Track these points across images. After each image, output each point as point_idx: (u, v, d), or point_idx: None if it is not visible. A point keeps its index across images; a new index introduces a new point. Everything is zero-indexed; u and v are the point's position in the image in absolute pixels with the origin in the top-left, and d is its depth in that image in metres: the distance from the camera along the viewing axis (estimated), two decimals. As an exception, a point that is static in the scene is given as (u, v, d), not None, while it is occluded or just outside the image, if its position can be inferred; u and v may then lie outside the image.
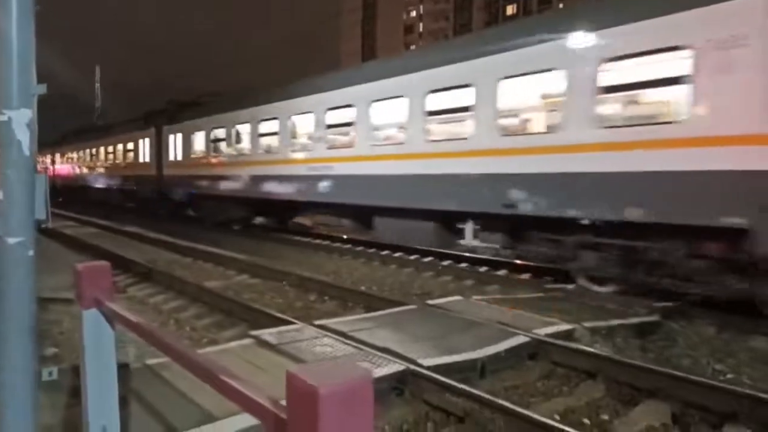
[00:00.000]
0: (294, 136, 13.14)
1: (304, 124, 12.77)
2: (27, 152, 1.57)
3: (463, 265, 10.79)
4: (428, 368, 4.18)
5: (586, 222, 7.28)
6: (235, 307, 6.75)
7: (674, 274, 6.63)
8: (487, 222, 8.85)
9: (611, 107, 7.16)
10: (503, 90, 8.24)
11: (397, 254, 11.75)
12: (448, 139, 9.29)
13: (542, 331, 5.24)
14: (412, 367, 4.18)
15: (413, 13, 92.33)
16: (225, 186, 16.06)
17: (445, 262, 10.91)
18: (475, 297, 6.99)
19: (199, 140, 17.67)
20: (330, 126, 11.82)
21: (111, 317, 1.85)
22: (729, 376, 4.87)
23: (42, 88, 1.58)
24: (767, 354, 5.41)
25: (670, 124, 6.47)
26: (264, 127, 14.05)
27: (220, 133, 16.27)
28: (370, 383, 0.82)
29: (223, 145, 16.26)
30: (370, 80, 10.79)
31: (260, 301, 7.46)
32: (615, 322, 5.78)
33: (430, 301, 6.48)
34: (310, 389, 0.77)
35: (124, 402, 3.69)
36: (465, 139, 8.85)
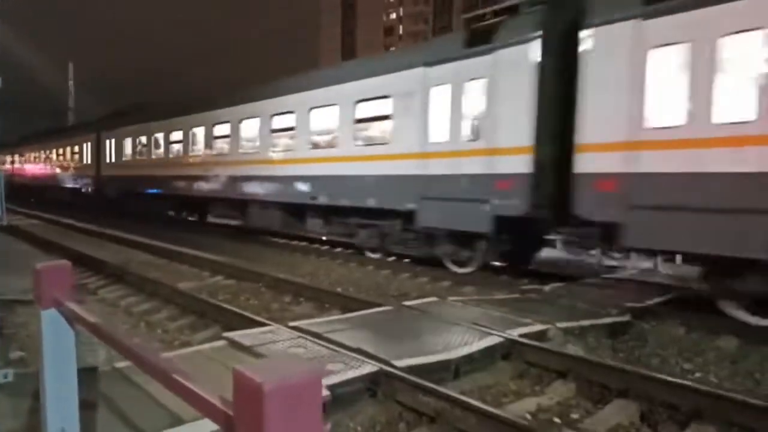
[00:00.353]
0: (195, 143, 17.12)
1: (199, 137, 16.90)
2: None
3: (441, 267, 10.83)
4: (401, 369, 4.18)
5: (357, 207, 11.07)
6: (208, 309, 6.67)
7: (396, 242, 10.71)
8: (311, 211, 12.65)
9: (361, 132, 11.28)
10: (313, 117, 12.31)
11: (374, 256, 11.75)
12: (285, 150, 13.25)
13: (516, 332, 5.29)
14: (386, 368, 4.18)
15: (393, 15, 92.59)
16: (147, 185, 19.82)
17: (423, 264, 10.94)
18: (451, 298, 7.02)
19: (128, 145, 21.51)
20: (217, 137, 15.93)
21: (71, 318, 1.81)
22: (697, 374, 4.98)
23: (-3, 82, 1.53)
24: (734, 353, 5.54)
25: (385, 144, 10.61)
26: (174, 136, 18.19)
27: (143, 139, 20.27)
28: (318, 381, 0.82)
29: (144, 150, 20.29)
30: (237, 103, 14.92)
31: (235, 302, 7.38)
32: (587, 322, 5.86)
33: (405, 302, 6.49)
34: (255, 386, 0.76)
35: (92, 406, 3.62)
36: (293, 150, 12.91)
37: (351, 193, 11.04)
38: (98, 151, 23.86)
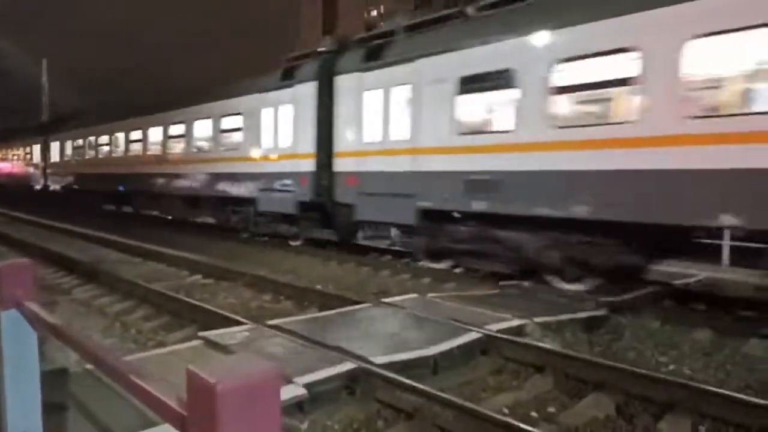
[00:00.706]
0: (117, 146, 20.80)
1: (120, 140, 20.49)
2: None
3: (422, 263, 10.85)
4: (380, 366, 4.17)
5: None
6: (184, 308, 6.57)
7: (254, 224, 13.92)
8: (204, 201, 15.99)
9: (224, 139, 14.89)
10: (196, 127, 15.87)
11: (354, 253, 11.72)
12: (180, 153, 16.82)
13: (494, 327, 5.31)
14: (364, 365, 4.16)
15: (374, 12, 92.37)
16: (83, 182, 23.64)
17: (403, 261, 10.95)
18: (430, 294, 7.03)
19: (68, 147, 25.25)
20: (132, 141, 19.63)
21: (32, 319, 1.75)
22: (671, 367, 5.06)
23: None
24: (707, 345, 5.65)
25: (237, 150, 14.30)
26: (101, 140, 22.03)
27: (79, 142, 23.95)
28: (275, 380, 0.79)
29: (80, 152, 24.00)
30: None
31: (213, 301, 7.28)
32: (564, 317, 5.92)
33: (385, 299, 6.48)
34: (208, 387, 0.73)
35: (61, 408, 3.53)
36: (184, 153, 16.52)
37: (225, 187, 14.67)
38: (45, 152, 27.96)
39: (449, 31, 9.49)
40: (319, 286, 8.14)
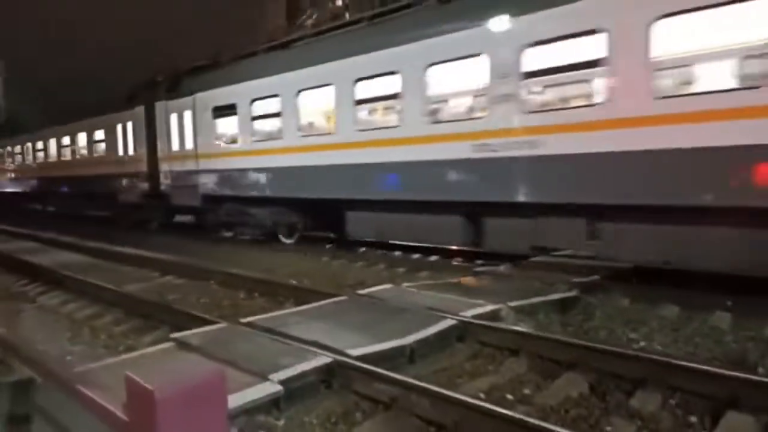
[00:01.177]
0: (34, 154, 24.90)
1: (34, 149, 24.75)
2: None
3: (397, 253, 10.86)
4: (356, 358, 4.14)
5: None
6: (155, 310, 6.43)
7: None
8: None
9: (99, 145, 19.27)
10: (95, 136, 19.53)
11: (329, 246, 11.67)
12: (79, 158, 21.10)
13: (469, 313, 5.34)
14: (340, 358, 4.13)
15: (339, 2, 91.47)
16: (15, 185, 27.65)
17: (378, 252, 10.95)
18: (405, 284, 7.03)
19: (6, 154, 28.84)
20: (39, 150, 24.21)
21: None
22: (642, 344, 5.17)
23: None
24: (675, 321, 5.79)
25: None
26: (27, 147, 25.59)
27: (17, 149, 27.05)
28: (220, 384, 0.75)
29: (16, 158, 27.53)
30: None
31: (185, 302, 7.15)
32: (537, 300, 5.99)
33: (360, 291, 6.45)
34: (147, 394, 0.69)
35: (25, 420, 3.41)
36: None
37: (97, 185, 18.95)
38: None
39: (211, 75, 13.73)
40: (293, 281, 8.06)
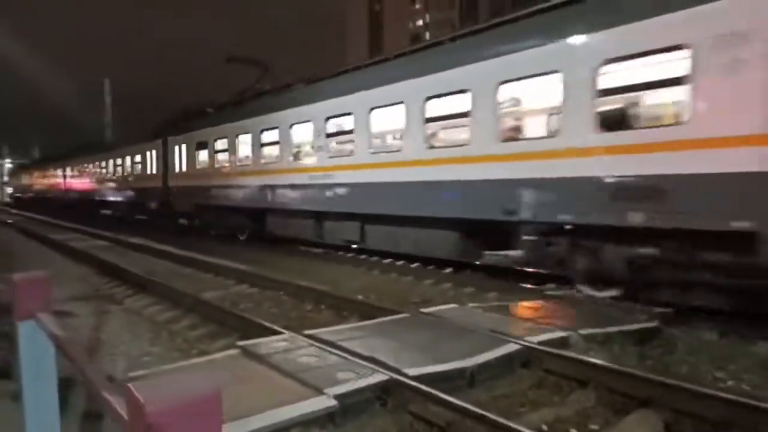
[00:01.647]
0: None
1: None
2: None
3: (466, 272, 10.67)
4: (413, 378, 4.09)
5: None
6: (228, 318, 6.70)
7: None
8: None
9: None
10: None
11: (399, 262, 11.68)
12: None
13: (535, 339, 5.12)
14: (396, 376, 4.09)
15: (419, 22, 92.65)
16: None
17: (446, 270, 10.81)
18: (471, 304, 6.87)
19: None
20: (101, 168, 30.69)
21: (47, 330, 1.79)
22: (729, 383, 4.71)
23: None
24: (770, 360, 5.24)
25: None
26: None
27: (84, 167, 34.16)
28: (215, 401, 0.75)
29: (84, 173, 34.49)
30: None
31: (255, 311, 7.40)
32: (612, 329, 5.63)
33: (423, 309, 6.38)
34: (140, 407, 0.70)
35: (99, 417, 3.64)
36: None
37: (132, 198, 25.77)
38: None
39: (197, 119, 18.72)
40: (360, 296, 8.13)
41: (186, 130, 19.12)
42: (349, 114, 11.43)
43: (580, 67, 7.20)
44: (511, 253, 8.80)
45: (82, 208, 33.69)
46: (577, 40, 7.38)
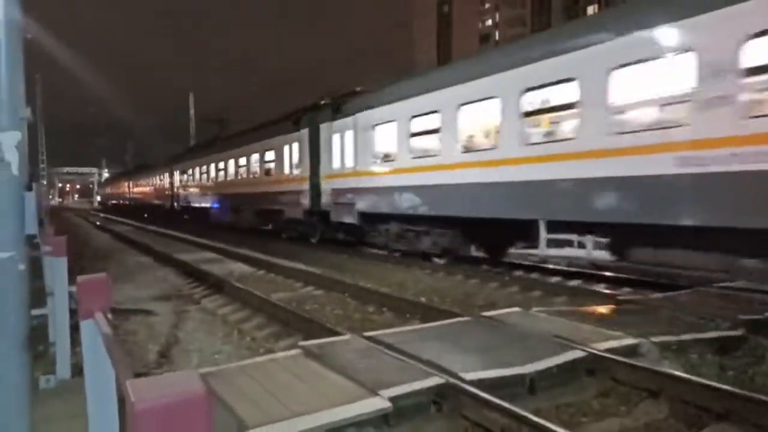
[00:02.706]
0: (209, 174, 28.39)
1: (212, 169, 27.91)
2: (16, 172, 1.70)
3: (534, 275, 10.39)
4: (469, 382, 4.02)
5: None
6: (293, 318, 6.91)
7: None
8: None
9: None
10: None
11: (464, 265, 11.54)
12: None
13: (602, 346, 4.87)
14: (452, 380, 4.04)
15: (489, 22, 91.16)
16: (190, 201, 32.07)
17: (515, 273, 10.56)
18: (536, 309, 6.66)
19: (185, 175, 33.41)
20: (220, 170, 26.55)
21: (105, 328, 1.93)
22: (827, 399, 4.25)
23: (28, 112, 1.71)
24: None
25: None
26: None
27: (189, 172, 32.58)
28: (204, 401, 0.78)
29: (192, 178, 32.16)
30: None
31: (320, 312, 7.58)
32: (689, 336, 5.26)
33: (485, 313, 6.26)
34: (131, 404, 0.74)
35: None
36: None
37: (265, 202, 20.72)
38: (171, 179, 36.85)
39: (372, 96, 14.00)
40: (423, 299, 8.11)
41: (353, 111, 14.19)
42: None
43: None
44: None
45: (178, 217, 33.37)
46: None
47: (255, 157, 21.53)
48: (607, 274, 9.93)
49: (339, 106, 15.15)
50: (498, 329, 5.59)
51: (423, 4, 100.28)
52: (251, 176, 22.11)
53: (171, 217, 35.01)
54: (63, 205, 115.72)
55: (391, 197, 12.59)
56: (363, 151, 13.69)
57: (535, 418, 3.46)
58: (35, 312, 4.37)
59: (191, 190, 31.64)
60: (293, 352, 5.02)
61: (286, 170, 18.48)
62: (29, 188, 1.75)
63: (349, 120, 14.33)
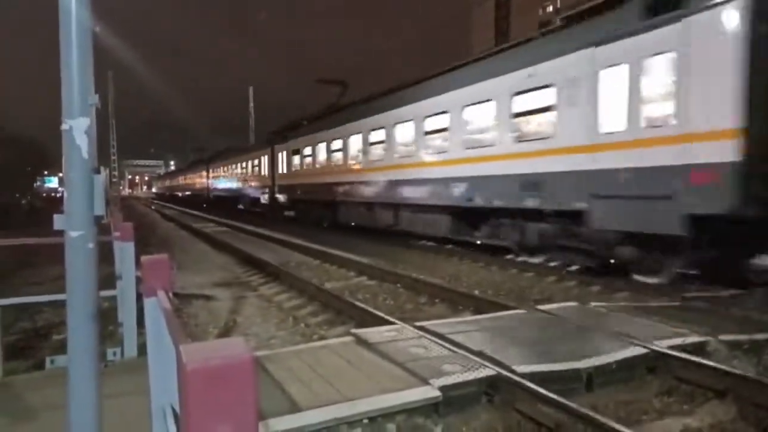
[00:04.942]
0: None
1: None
2: (86, 156, 1.80)
3: (594, 270, 10.03)
4: (522, 375, 3.95)
5: None
6: (345, 307, 7.01)
7: None
8: None
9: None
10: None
11: (519, 259, 11.31)
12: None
13: (665, 343, 4.66)
14: (505, 372, 3.98)
15: (550, 8, 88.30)
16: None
17: (572, 267, 10.24)
18: (594, 303, 6.45)
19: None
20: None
21: (161, 305, 2.03)
22: None
23: (96, 99, 1.81)
24: None
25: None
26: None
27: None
28: (249, 363, 0.80)
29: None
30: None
31: (372, 302, 7.65)
32: (762, 336, 4.94)
33: (540, 306, 6.12)
34: (183, 366, 0.78)
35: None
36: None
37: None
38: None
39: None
40: (476, 291, 8.02)
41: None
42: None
43: None
44: None
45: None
46: None
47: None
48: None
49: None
50: (553, 323, 5.46)
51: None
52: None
53: (207, 204, 43.64)
54: (132, 195, 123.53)
55: None
56: None
57: (592, 414, 3.36)
58: (105, 293, 4.63)
59: (221, 182, 40.26)
60: (345, 339, 5.11)
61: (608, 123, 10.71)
62: (97, 171, 1.86)
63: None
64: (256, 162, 29.48)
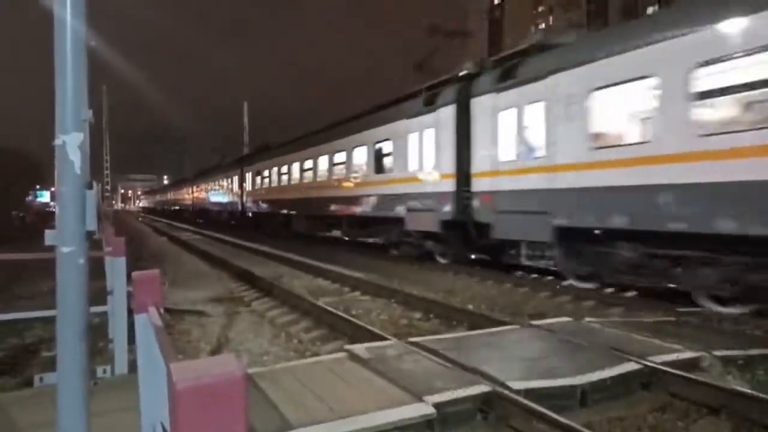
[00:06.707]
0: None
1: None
2: (79, 171, 1.80)
3: (587, 285, 10.04)
4: (516, 392, 3.92)
5: None
6: (339, 322, 6.96)
7: None
8: None
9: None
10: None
11: (517, 273, 11.32)
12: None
13: (659, 359, 4.65)
14: (499, 389, 3.95)
15: (542, 26, 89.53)
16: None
17: (565, 283, 10.25)
18: (588, 318, 6.44)
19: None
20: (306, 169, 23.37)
21: (151, 321, 2.00)
22: None
23: (90, 114, 1.81)
24: None
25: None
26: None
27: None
28: (240, 381, 0.79)
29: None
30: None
31: (366, 317, 7.60)
32: (756, 351, 4.95)
33: (534, 322, 6.10)
34: (173, 384, 0.77)
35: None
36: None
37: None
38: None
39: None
40: (470, 306, 8.00)
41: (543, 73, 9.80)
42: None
43: None
44: None
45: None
46: None
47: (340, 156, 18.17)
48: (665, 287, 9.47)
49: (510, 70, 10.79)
50: (547, 338, 5.44)
51: (476, 9, 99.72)
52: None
53: (194, 218, 47.64)
54: (124, 209, 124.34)
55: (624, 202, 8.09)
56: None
57: (584, 430, 3.34)
58: (96, 309, 4.58)
59: (207, 198, 42.70)
60: (339, 355, 5.06)
61: (411, 166, 13.66)
62: (90, 187, 1.85)
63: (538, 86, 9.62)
64: (230, 181, 34.53)
